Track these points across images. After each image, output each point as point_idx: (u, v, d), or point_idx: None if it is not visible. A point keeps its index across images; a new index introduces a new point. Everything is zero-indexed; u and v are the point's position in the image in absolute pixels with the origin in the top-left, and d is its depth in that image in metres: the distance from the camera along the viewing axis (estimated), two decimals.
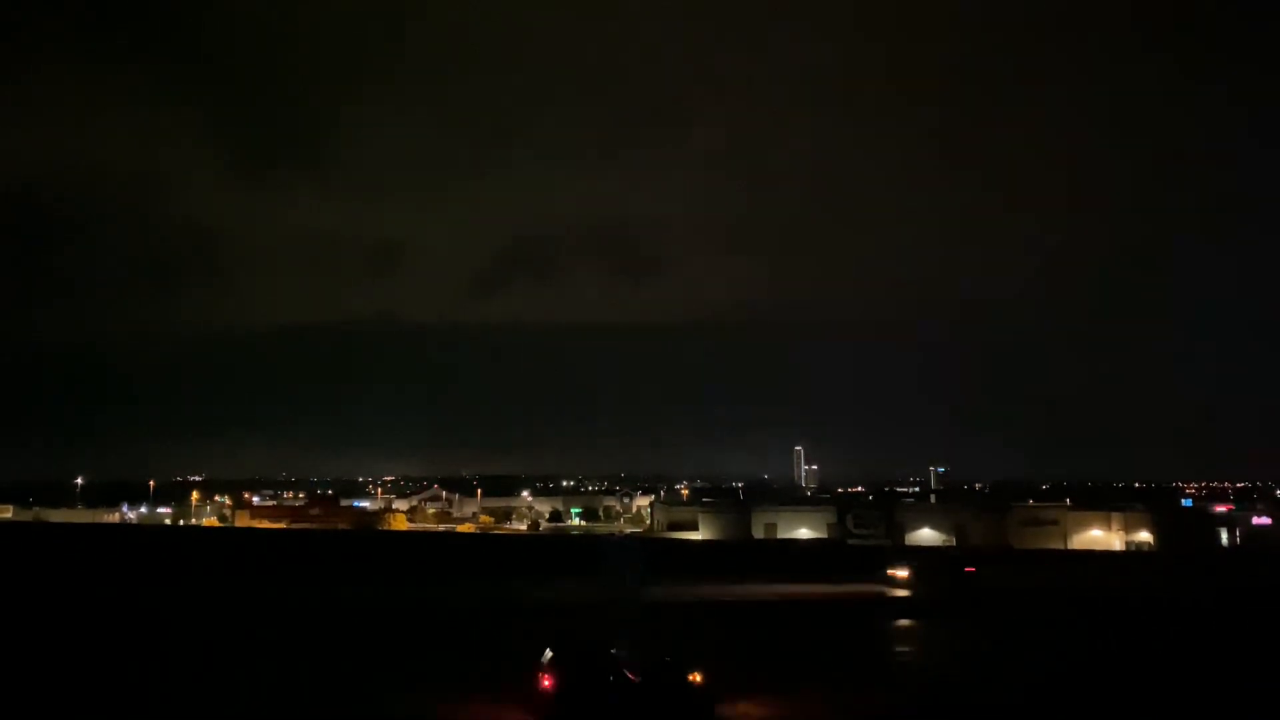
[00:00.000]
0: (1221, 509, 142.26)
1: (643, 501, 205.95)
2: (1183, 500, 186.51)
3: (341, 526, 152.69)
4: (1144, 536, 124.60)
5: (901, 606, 39.85)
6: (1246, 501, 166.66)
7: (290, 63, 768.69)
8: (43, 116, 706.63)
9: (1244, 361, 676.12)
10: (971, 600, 40.73)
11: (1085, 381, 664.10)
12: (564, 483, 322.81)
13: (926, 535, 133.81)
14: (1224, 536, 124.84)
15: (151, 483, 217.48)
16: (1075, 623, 39.42)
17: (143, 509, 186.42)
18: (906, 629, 36.51)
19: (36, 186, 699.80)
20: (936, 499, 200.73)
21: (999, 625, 37.19)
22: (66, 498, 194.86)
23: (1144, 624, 40.35)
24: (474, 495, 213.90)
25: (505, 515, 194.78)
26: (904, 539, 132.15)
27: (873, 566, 48.49)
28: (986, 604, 40.61)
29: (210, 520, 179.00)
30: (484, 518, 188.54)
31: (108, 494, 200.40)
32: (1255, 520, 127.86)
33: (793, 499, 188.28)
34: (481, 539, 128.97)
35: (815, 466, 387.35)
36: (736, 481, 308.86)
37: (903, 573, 40.43)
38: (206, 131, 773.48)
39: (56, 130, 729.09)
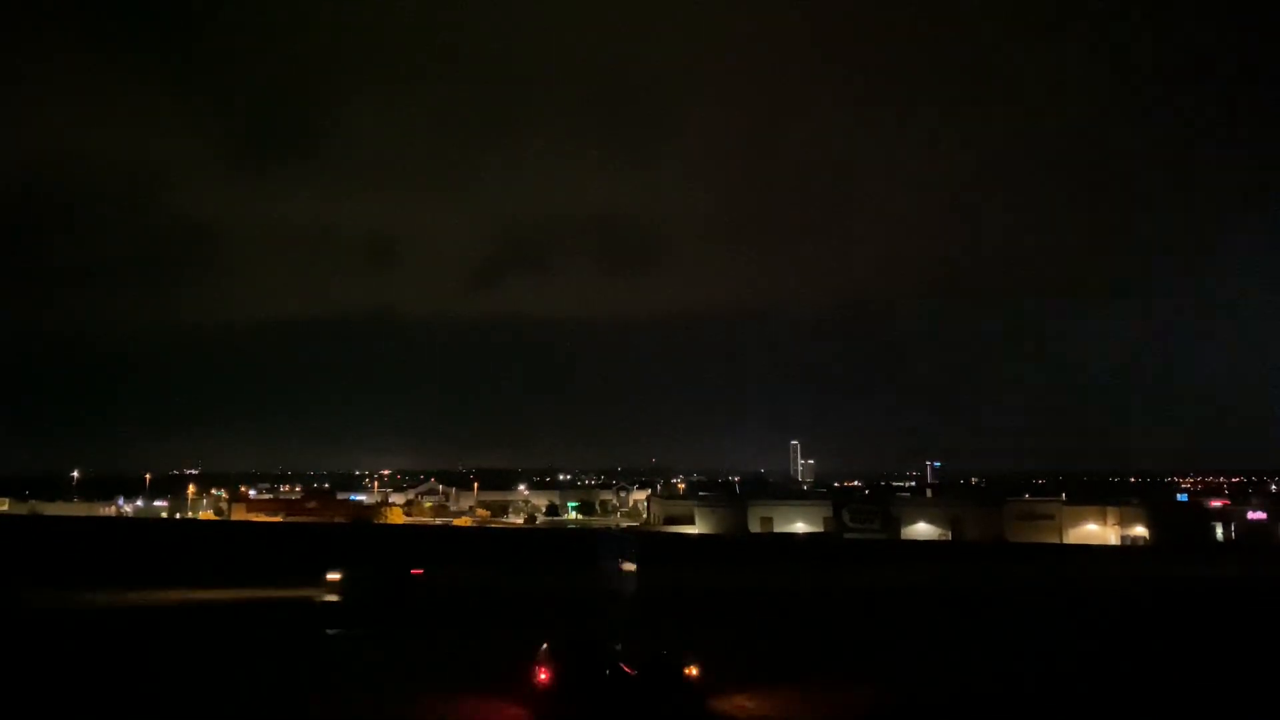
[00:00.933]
0: (1217, 503, 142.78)
1: (639, 495, 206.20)
2: (1178, 494, 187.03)
3: (338, 520, 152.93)
4: (1139, 531, 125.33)
5: (315, 612, 35.27)
6: (1242, 495, 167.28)
7: (287, 56, 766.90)
8: (38, 110, 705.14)
9: (1238, 352, 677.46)
10: (405, 604, 37.09)
11: (1081, 375, 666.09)
12: (560, 476, 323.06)
13: (922, 529, 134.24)
14: (1219, 531, 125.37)
15: (148, 476, 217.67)
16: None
17: (139, 502, 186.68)
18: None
19: (32, 179, 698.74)
20: (932, 493, 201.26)
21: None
22: (62, 491, 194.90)
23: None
24: (470, 489, 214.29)
25: (502, 509, 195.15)
26: (900, 533, 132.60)
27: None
28: (420, 607, 37.20)
29: (206, 513, 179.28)
30: (480, 511, 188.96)
31: (103, 487, 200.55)
32: (1250, 514, 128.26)
33: (789, 493, 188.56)
34: (478, 532, 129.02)
35: (812, 461, 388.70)
36: (733, 475, 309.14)
37: (335, 575, 36.61)
38: (203, 125, 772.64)
39: (52, 124, 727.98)
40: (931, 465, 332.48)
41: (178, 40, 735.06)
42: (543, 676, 22.45)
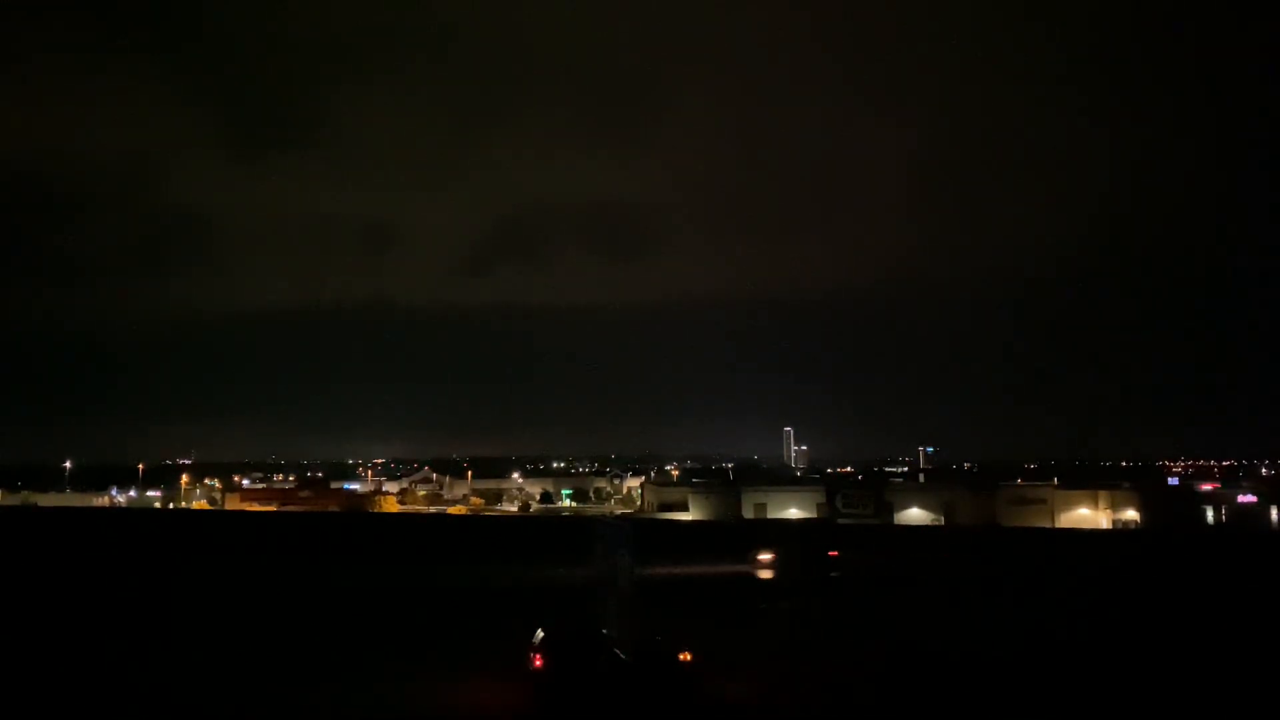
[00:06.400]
0: (1207, 487, 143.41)
1: (633, 482, 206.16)
2: (1169, 478, 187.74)
3: (332, 509, 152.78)
4: (1131, 514, 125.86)
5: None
6: (1233, 479, 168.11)
7: (283, 47, 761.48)
8: (34, 100, 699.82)
9: (1232, 342, 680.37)
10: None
11: (1074, 361, 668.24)
12: (554, 464, 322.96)
13: (915, 515, 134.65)
14: (1210, 514, 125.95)
15: (141, 466, 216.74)
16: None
17: (132, 493, 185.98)
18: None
19: (26, 170, 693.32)
20: (925, 479, 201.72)
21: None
22: (55, 482, 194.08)
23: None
24: (464, 477, 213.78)
25: (496, 497, 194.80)
26: (893, 518, 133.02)
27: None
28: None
29: (200, 503, 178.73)
30: (475, 499, 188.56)
31: (96, 478, 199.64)
32: (1241, 498, 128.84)
33: (783, 479, 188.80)
34: (472, 520, 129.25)
35: (805, 447, 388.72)
36: (727, 462, 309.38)
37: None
38: (198, 114, 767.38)
39: (47, 114, 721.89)
40: (925, 451, 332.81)
41: (174, 30, 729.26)
42: (538, 663, 22.56)
